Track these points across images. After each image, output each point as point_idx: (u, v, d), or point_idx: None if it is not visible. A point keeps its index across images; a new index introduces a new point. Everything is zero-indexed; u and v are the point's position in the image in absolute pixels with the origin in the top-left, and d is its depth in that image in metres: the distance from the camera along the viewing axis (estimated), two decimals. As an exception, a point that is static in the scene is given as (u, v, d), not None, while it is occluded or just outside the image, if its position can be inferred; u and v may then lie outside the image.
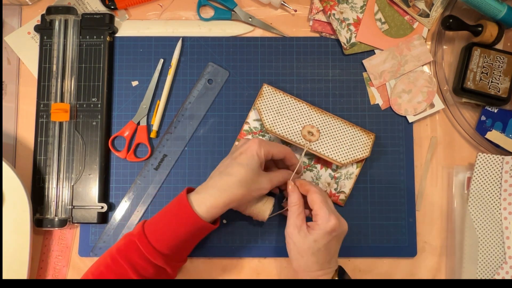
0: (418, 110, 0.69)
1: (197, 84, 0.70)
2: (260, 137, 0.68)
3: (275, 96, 0.68)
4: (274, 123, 0.67)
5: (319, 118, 0.68)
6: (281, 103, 0.68)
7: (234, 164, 0.56)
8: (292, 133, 0.67)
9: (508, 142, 0.67)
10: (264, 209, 0.62)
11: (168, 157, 0.69)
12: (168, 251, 0.56)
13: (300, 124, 0.67)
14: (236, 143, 0.69)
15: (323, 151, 0.66)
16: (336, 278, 0.58)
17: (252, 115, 0.69)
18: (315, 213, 0.57)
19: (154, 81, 0.70)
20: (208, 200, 0.55)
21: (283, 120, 0.67)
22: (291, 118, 0.67)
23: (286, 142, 0.67)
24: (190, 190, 0.58)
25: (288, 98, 0.68)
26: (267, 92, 0.68)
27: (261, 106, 0.68)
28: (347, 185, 0.67)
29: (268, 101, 0.68)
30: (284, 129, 0.67)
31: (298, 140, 0.67)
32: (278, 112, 0.68)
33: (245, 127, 0.69)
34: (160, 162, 0.69)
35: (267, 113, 0.67)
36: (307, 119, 0.68)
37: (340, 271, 0.59)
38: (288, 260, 0.68)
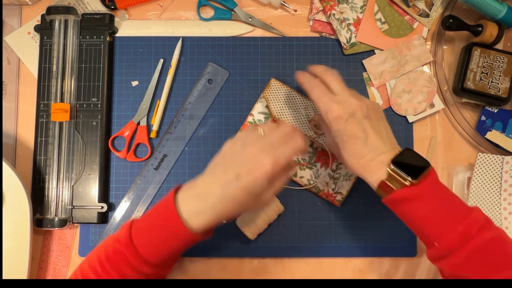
0: (418, 110, 0.69)
1: (197, 84, 0.70)
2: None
3: (282, 91, 0.68)
4: (282, 111, 0.67)
5: None
6: (287, 98, 0.68)
7: (237, 186, 0.49)
8: (299, 122, 0.67)
9: (508, 142, 0.67)
10: (277, 208, 0.63)
11: (168, 157, 0.69)
12: (159, 261, 0.52)
13: (307, 116, 0.67)
14: (239, 133, 0.64)
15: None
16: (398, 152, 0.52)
17: (258, 107, 0.69)
18: (321, 112, 0.54)
19: (154, 81, 0.70)
20: (201, 220, 0.50)
21: (290, 111, 0.68)
22: (295, 114, 0.68)
23: None
24: (176, 189, 0.53)
25: (294, 94, 0.68)
26: (275, 86, 0.69)
27: (269, 96, 0.68)
28: (345, 186, 0.67)
29: (273, 96, 0.69)
30: (291, 118, 0.67)
31: (305, 130, 0.67)
32: (286, 103, 0.68)
33: (249, 118, 0.69)
34: (160, 162, 0.69)
35: (275, 102, 0.68)
36: (313, 114, 0.68)
37: (405, 151, 0.52)
38: (288, 260, 0.68)
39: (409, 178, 0.50)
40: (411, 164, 0.51)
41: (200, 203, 0.50)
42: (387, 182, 0.51)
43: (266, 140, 0.52)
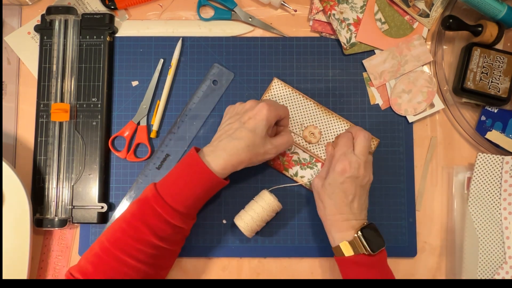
0: (418, 110, 0.69)
1: (202, 85, 0.70)
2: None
3: (283, 92, 0.69)
4: None
5: (324, 119, 0.68)
6: (289, 99, 0.68)
7: (243, 129, 0.58)
8: (295, 127, 0.68)
9: (508, 142, 0.67)
10: (276, 206, 0.64)
11: (170, 157, 0.69)
12: (185, 210, 0.58)
13: (303, 123, 0.68)
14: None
15: (320, 153, 0.67)
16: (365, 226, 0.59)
17: None
18: (335, 156, 0.62)
19: (154, 81, 0.70)
20: (217, 162, 0.58)
21: (290, 112, 0.68)
22: (295, 116, 0.68)
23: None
24: (196, 150, 0.60)
25: (296, 95, 0.68)
26: (276, 87, 0.69)
27: (270, 95, 0.68)
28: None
29: (275, 96, 0.68)
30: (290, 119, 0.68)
31: (298, 140, 0.67)
32: (287, 103, 0.68)
33: None
34: (163, 162, 0.69)
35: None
36: (311, 118, 0.68)
37: (371, 225, 0.59)
38: (288, 260, 0.68)
39: (369, 249, 0.57)
40: (371, 238, 0.58)
41: (214, 148, 0.59)
42: (349, 245, 0.58)
43: (261, 100, 0.64)
